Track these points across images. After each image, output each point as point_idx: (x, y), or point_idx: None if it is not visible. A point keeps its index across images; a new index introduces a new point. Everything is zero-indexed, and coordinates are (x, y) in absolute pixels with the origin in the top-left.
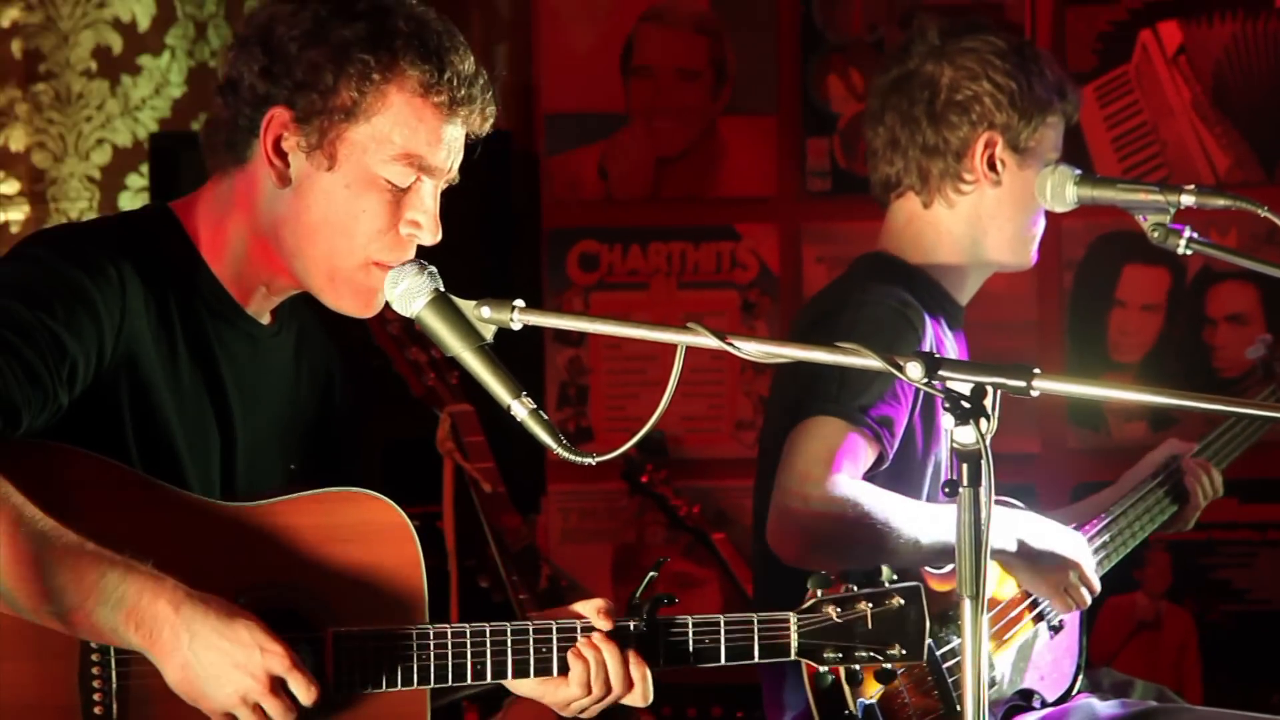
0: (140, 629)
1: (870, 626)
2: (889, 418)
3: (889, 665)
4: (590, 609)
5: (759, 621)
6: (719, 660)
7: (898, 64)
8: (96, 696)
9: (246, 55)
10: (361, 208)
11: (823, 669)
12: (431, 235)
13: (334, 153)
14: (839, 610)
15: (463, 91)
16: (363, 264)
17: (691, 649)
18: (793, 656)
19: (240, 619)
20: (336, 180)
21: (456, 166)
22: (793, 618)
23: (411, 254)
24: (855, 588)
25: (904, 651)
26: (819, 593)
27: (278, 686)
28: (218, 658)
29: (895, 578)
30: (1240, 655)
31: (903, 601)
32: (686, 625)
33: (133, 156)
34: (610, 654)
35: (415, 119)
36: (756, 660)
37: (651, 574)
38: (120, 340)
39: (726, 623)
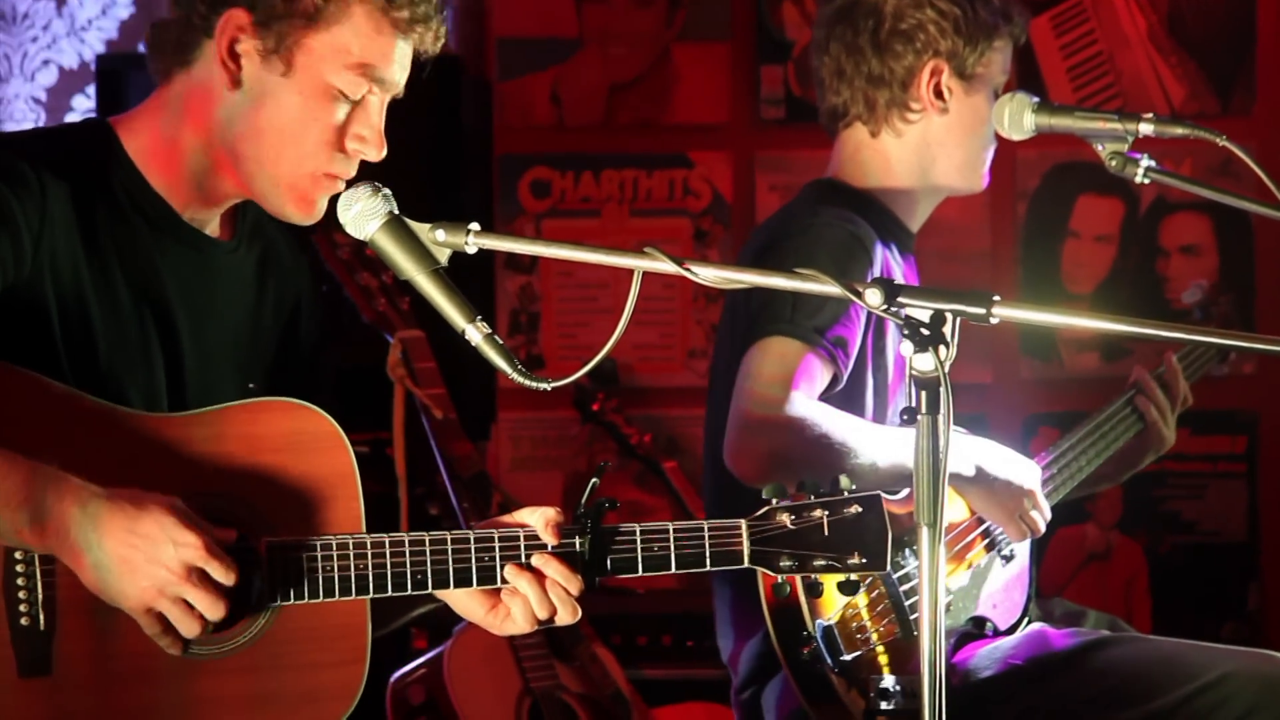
0: (47, 531)
1: (827, 534)
2: (843, 339)
3: (850, 575)
4: (539, 520)
5: (709, 528)
6: (669, 568)
7: None
8: (23, 607)
9: None
10: (313, 116)
11: (780, 578)
12: (377, 150)
13: (291, 59)
14: (793, 518)
15: (421, 9)
16: (310, 174)
17: (640, 557)
18: (745, 564)
19: (149, 513)
20: (290, 87)
21: (403, 83)
22: (744, 524)
23: (354, 168)
24: (812, 497)
25: (864, 560)
26: (774, 501)
27: (196, 576)
28: (129, 553)
29: (854, 487)
30: (1190, 587)
31: (861, 509)
32: (634, 533)
33: (79, 78)
34: (556, 575)
35: (374, 31)
36: (708, 569)
37: (594, 480)
38: (40, 251)
39: (676, 530)
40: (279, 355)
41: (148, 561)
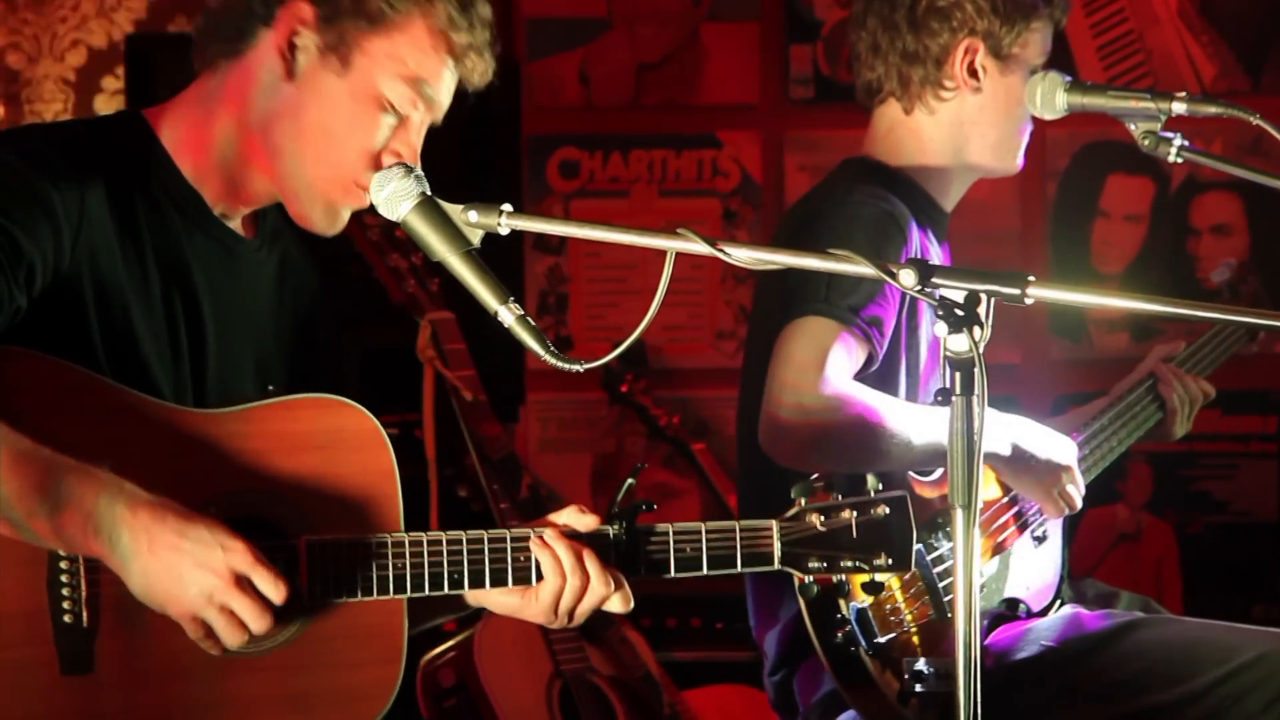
0: (98, 535)
1: (855, 535)
2: (878, 318)
3: (875, 575)
4: (567, 517)
5: (741, 530)
6: (701, 569)
7: None
8: (66, 605)
9: None
10: (360, 122)
11: (808, 579)
12: None
13: (348, 58)
14: (823, 519)
15: (479, 38)
16: (342, 181)
17: (672, 558)
18: (776, 566)
19: (199, 519)
20: (343, 87)
21: (444, 110)
22: (775, 526)
23: None
24: (840, 497)
25: (890, 561)
26: (803, 501)
27: (244, 584)
28: (178, 559)
29: (880, 487)
30: (1220, 567)
31: (888, 510)
32: (667, 534)
33: (108, 58)
34: (578, 550)
35: (431, 48)
36: (739, 569)
37: (629, 480)
38: (80, 243)
39: (708, 531)
40: (296, 357)
41: (196, 567)
